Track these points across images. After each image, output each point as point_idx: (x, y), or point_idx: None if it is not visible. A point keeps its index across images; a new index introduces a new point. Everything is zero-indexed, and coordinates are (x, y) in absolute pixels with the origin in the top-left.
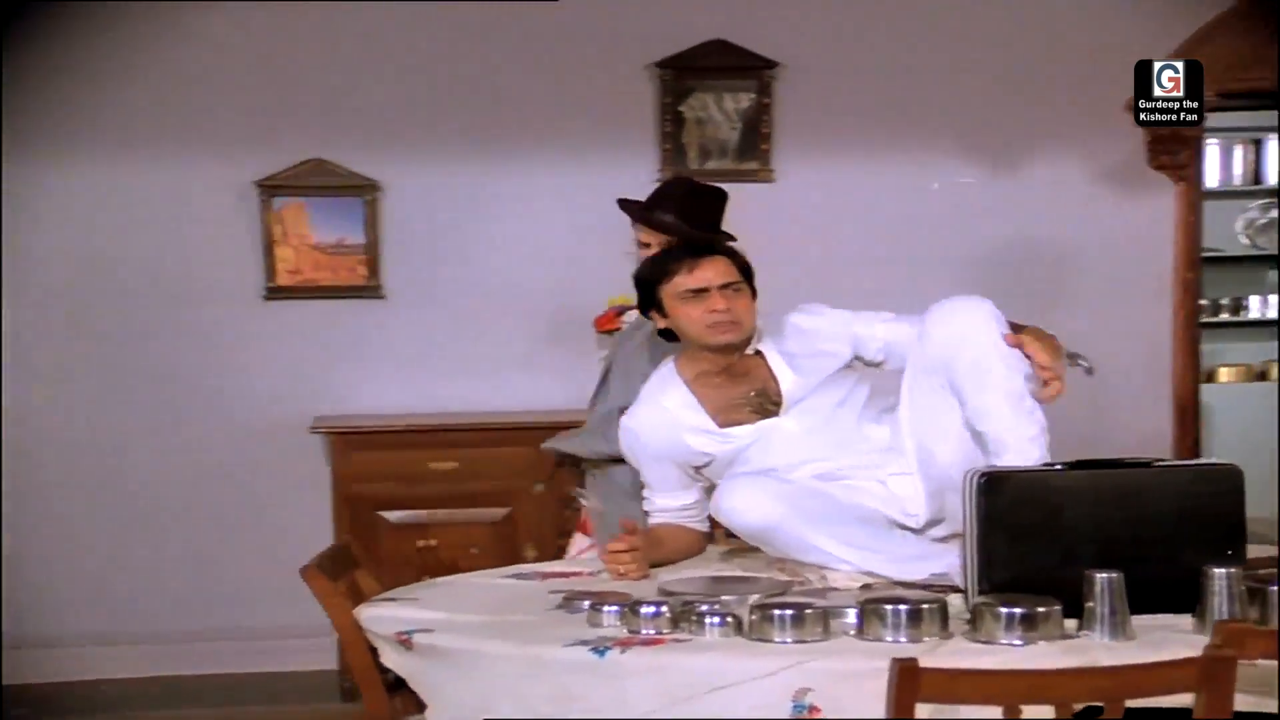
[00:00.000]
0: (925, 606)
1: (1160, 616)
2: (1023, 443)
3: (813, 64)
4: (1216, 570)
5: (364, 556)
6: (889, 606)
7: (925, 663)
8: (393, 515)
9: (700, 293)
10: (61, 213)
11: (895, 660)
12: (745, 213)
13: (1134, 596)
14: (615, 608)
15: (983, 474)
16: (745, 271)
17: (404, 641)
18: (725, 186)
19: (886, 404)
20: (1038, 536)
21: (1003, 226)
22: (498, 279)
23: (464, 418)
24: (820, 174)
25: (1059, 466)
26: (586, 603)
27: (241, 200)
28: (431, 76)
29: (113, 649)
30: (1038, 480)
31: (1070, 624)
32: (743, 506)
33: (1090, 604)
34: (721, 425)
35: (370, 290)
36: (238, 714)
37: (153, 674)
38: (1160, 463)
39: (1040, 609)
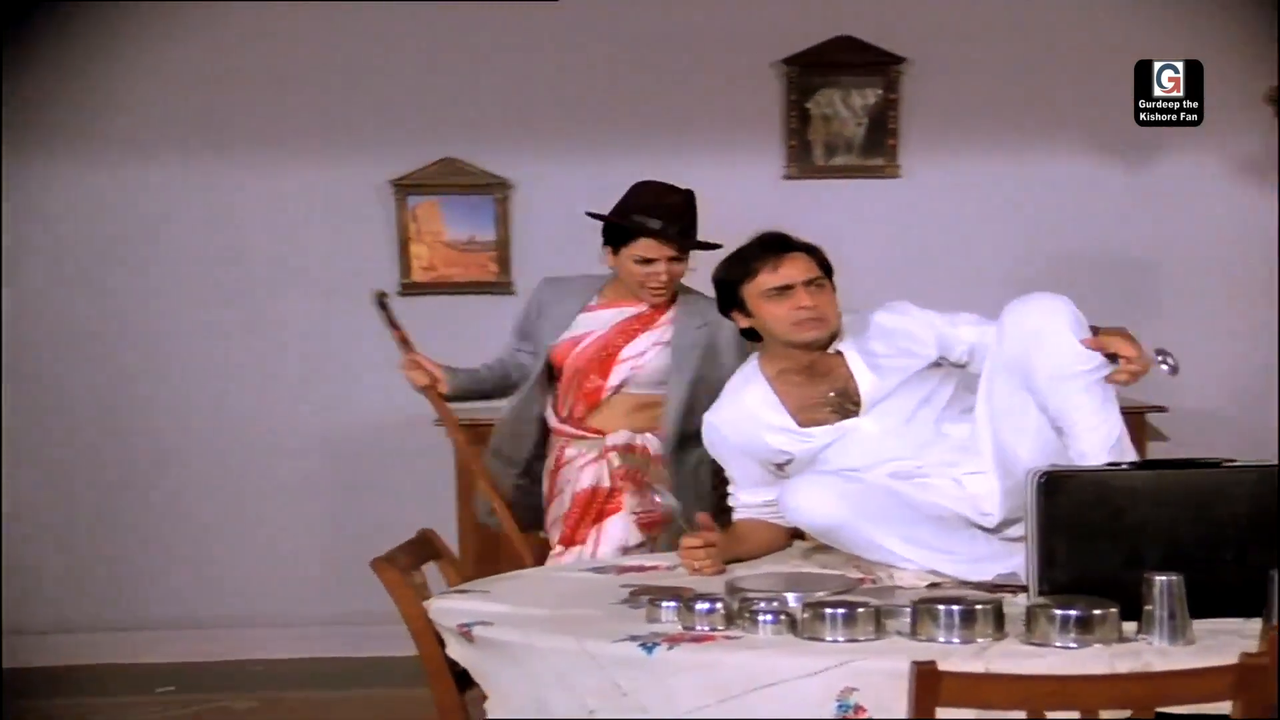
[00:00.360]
0: (979, 607)
1: (1228, 621)
2: (1102, 446)
3: (940, 59)
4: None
5: (446, 548)
6: (942, 607)
7: (967, 665)
8: None
9: (785, 290)
10: (206, 209)
11: (915, 663)
12: (871, 208)
13: (1202, 600)
14: (673, 603)
15: (1043, 474)
16: (825, 267)
17: (465, 634)
18: (852, 182)
19: (967, 403)
20: (1100, 538)
21: (1134, 223)
22: None
23: None
24: (947, 169)
25: (1124, 466)
26: (648, 598)
27: (378, 199)
28: (560, 77)
29: (264, 630)
30: (1100, 480)
31: (1130, 627)
32: (808, 505)
33: (1149, 607)
34: (801, 424)
35: (501, 286)
36: (357, 696)
37: (306, 655)
38: (1230, 463)
39: (1096, 611)
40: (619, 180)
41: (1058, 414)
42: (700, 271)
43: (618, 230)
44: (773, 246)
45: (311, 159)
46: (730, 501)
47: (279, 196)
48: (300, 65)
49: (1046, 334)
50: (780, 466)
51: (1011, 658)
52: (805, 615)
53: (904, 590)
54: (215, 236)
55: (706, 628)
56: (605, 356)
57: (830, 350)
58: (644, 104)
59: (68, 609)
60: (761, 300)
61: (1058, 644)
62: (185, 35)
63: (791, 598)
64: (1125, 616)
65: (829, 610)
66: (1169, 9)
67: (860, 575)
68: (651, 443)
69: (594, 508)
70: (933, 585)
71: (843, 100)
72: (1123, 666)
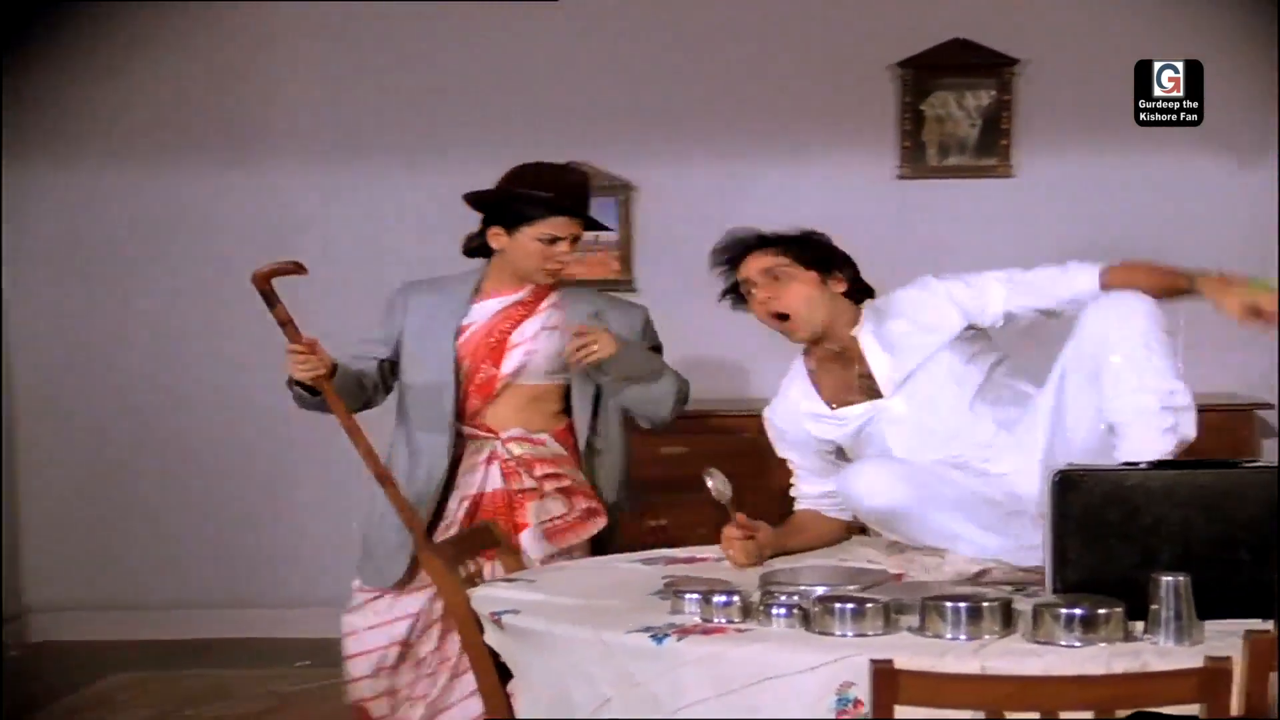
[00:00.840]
0: (985, 605)
1: (1243, 622)
2: (1145, 449)
3: (1053, 60)
4: None
5: (505, 537)
6: (949, 604)
7: (963, 663)
8: None
9: (750, 285)
10: (347, 212)
11: (872, 662)
12: (983, 207)
13: (1217, 601)
14: (695, 595)
15: (1059, 473)
16: (801, 254)
17: (496, 621)
18: (964, 182)
19: (1015, 389)
20: (1114, 537)
21: (1247, 223)
22: None
23: (698, 405)
24: (1059, 168)
25: (1141, 465)
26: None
27: None
28: (680, 82)
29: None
30: (1115, 480)
31: (1140, 627)
32: (868, 489)
33: (1155, 607)
34: (835, 409)
35: (623, 283)
36: None
37: None
38: (1249, 463)
39: (1101, 610)
40: (737, 181)
41: (1111, 410)
42: None
43: (512, 209)
44: (737, 248)
45: (445, 165)
46: (792, 493)
47: (414, 200)
48: (436, 77)
49: (1120, 333)
50: (836, 455)
51: (1010, 656)
52: (815, 610)
53: (944, 581)
54: (355, 239)
55: (723, 620)
56: (495, 344)
57: (852, 333)
58: (762, 107)
59: (214, 588)
60: (747, 299)
61: (1062, 643)
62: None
63: (815, 591)
64: (1137, 616)
65: (838, 605)
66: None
67: (898, 571)
68: (550, 444)
69: (488, 515)
70: (981, 572)
71: (957, 101)
72: (1119, 666)
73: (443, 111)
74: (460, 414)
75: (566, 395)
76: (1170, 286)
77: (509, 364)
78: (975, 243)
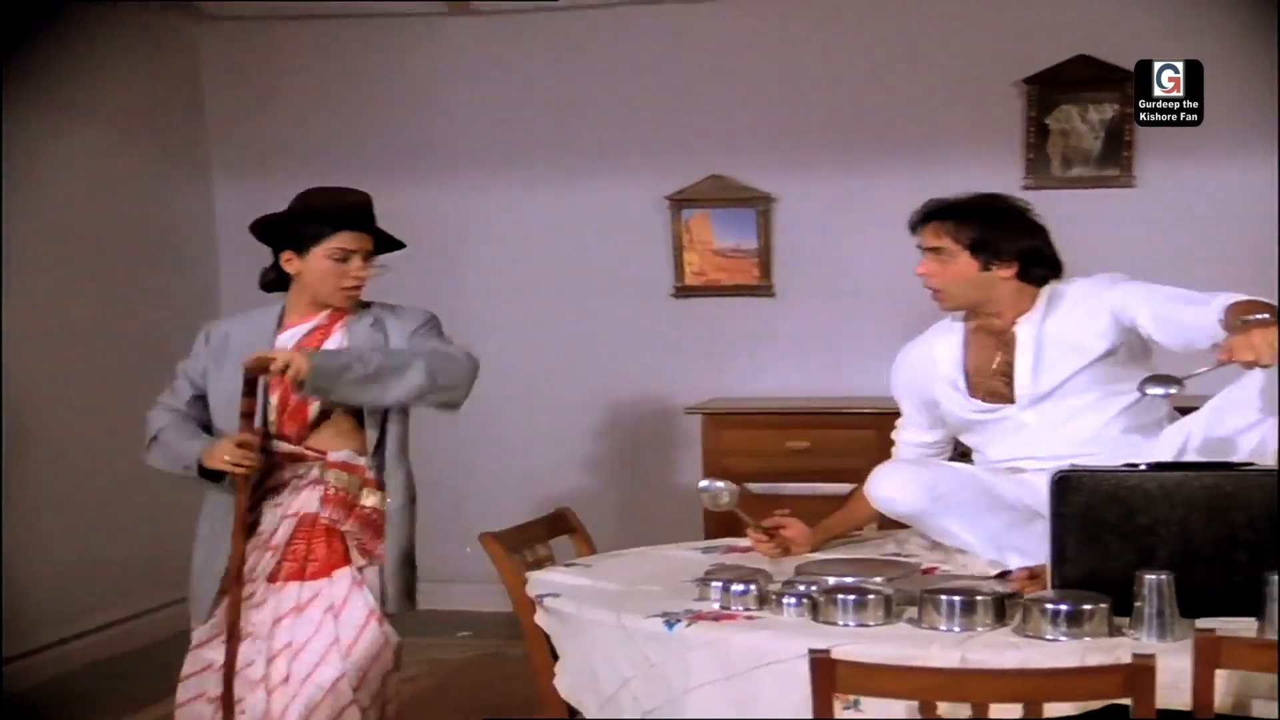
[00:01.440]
0: (979, 598)
1: (1238, 621)
2: None
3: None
4: (1275, 576)
5: (579, 524)
6: (943, 597)
7: (946, 654)
8: (753, 486)
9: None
10: (510, 222)
11: (810, 651)
12: (1106, 217)
13: (1213, 600)
14: (719, 583)
15: (1058, 473)
16: (976, 237)
17: (539, 603)
18: (1087, 192)
19: (1159, 413)
20: (1112, 536)
21: None
22: (873, 280)
23: (822, 403)
24: (1180, 178)
25: (1143, 467)
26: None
27: (656, 212)
28: (816, 99)
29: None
30: (1114, 481)
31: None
32: (889, 495)
33: (1138, 604)
34: (972, 387)
35: (763, 289)
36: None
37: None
38: (1248, 467)
39: (1086, 606)
40: (869, 192)
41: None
42: None
43: (303, 232)
44: (919, 216)
45: (600, 178)
46: (894, 434)
47: (573, 210)
48: (590, 98)
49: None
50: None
51: (992, 648)
52: (821, 600)
53: (972, 578)
54: (518, 244)
55: (740, 608)
56: None
57: (1015, 324)
58: (893, 122)
59: None
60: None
61: (1048, 637)
62: (484, 73)
63: (829, 582)
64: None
65: (840, 596)
66: None
67: (927, 564)
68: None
69: (310, 535)
70: (1001, 574)
71: (1080, 115)
72: (1093, 661)
73: (596, 130)
74: (284, 437)
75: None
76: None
77: None
78: (1098, 251)
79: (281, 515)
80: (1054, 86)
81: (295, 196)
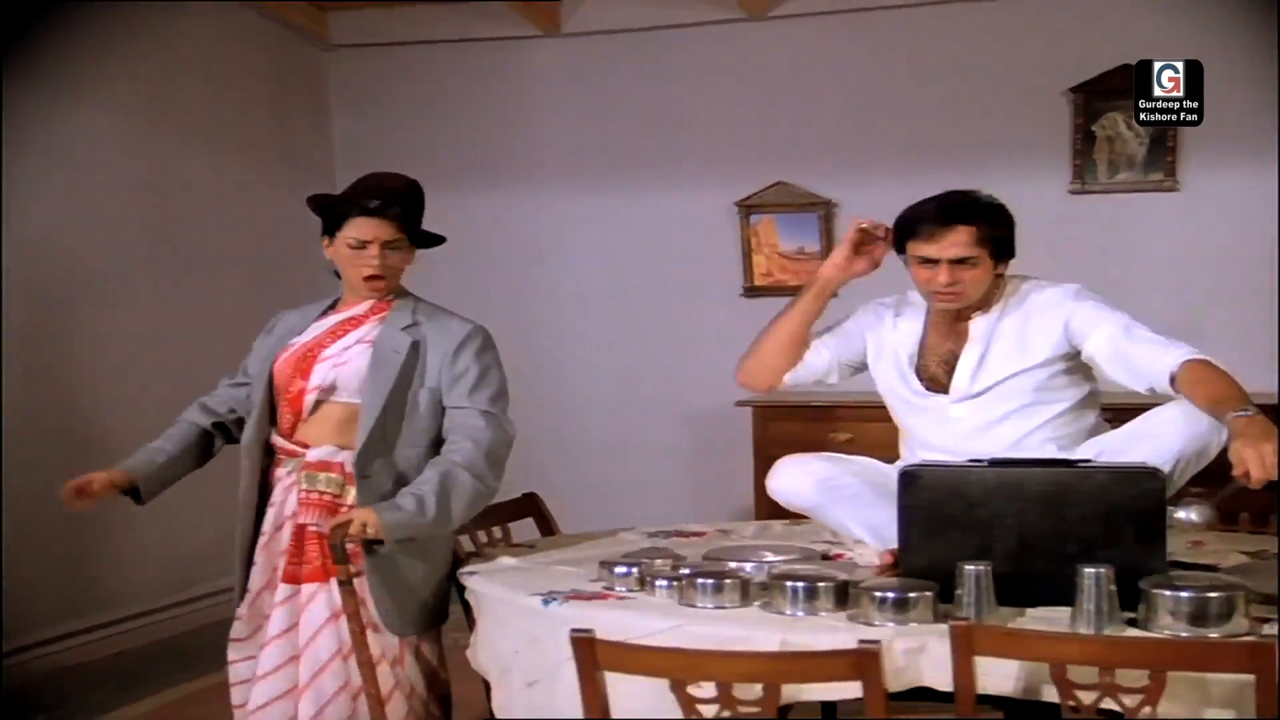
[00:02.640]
0: (821, 585)
1: (1057, 610)
2: None
3: (1217, 80)
4: (1087, 569)
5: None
6: (789, 583)
7: (769, 637)
8: None
9: (932, 261)
10: (597, 228)
11: (571, 631)
12: (1152, 220)
13: (1048, 590)
14: (612, 566)
15: (904, 468)
16: (996, 240)
17: (461, 581)
18: (1132, 196)
19: (1083, 427)
20: (954, 528)
21: None
22: None
23: (862, 397)
24: (1224, 183)
25: (984, 463)
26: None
27: (727, 217)
28: (875, 110)
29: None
30: (955, 475)
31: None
32: (787, 489)
33: (959, 591)
34: (921, 365)
35: None
36: None
37: None
38: (1083, 464)
39: (911, 594)
40: (922, 194)
41: None
42: None
43: (332, 214)
44: (939, 218)
45: (676, 186)
46: (816, 339)
47: (652, 216)
48: (669, 110)
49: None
50: (856, 369)
51: (814, 631)
52: (682, 583)
53: (858, 567)
54: (603, 249)
55: (623, 589)
56: (307, 357)
57: (972, 315)
58: (947, 130)
59: None
60: (914, 261)
61: (876, 622)
62: (580, 89)
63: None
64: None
65: (700, 580)
66: None
67: (835, 552)
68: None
69: (306, 536)
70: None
71: (1125, 122)
72: (900, 645)
73: (672, 142)
74: (280, 430)
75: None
76: (1216, 409)
77: (315, 378)
78: (1143, 253)
79: (275, 515)
80: (1100, 94)
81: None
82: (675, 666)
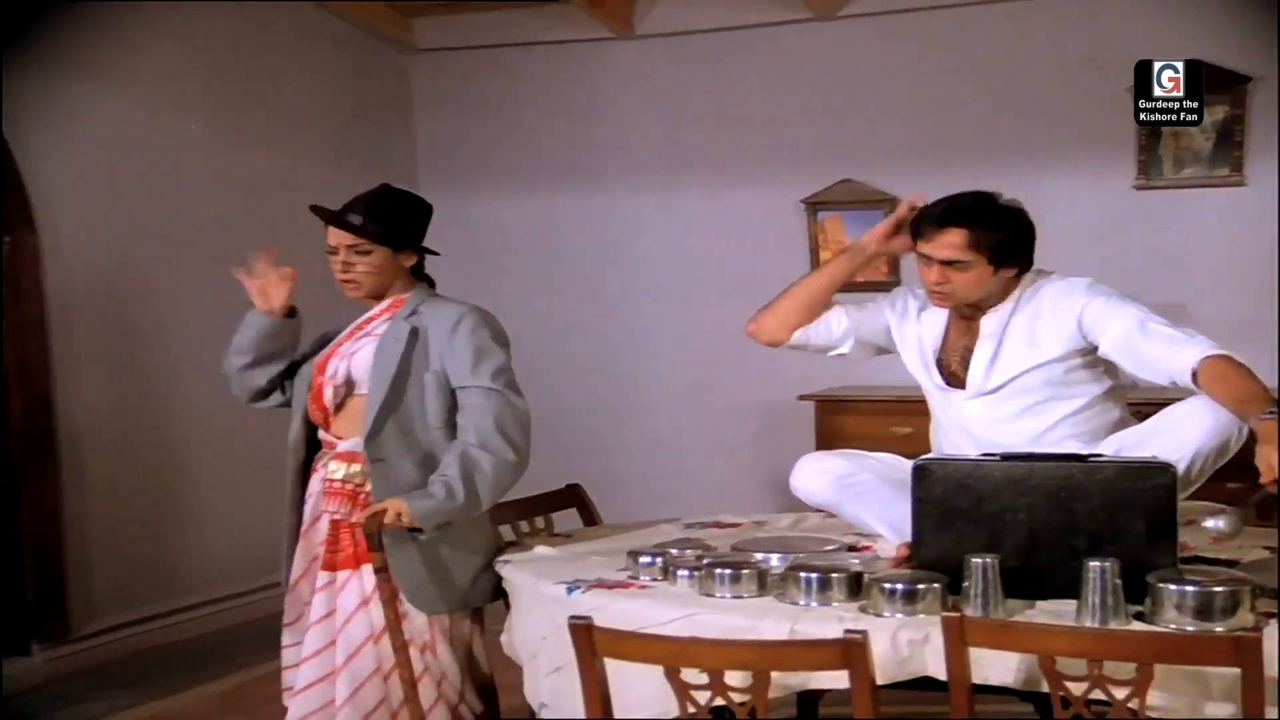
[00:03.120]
0: (835, 576)
1: (1066, 603)
2: None
3: None
4: (1092, 563)
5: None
6: (802, 574)
7: (777, 626)
8: None
9: (927, 259)
10: (670, 226)
11: (570, 618)
12: (1217, 215)
13: (1055, 583)
14: (638, 556)
15: (917, 462)
16: (998, 243)
17: (498, 568)
18: (1198, 191)
19: (1103, 423)
20: (965, 521)
21: None
22: None
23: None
24: None
25: (996, 457)
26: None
27: (794, 215)
28: (939, 108)
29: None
30: (966, 470)
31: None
32: (807, 488)
33: (966, 584)
34: (942, 357)
35: (891, 284)
36: None
37: None
38: (1094, 458)
39: (920, 585)
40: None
41: None
42: None
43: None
44: (935, 219)
45: (745, 184)
46: (842, 308)
47: (722, 213)
48: (738, 110)
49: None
50: (881, 349)
51: (822, 621)
52: (701, 574)
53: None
54: (676, 246)
55: (647, 578)
56: (328, 355)
57: (985, 312)
58: (1011, 127)
59: None
60: (917, 257)
61: (885, 613)
62: (652, 89)
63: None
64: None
65: (718, 571)
66: None
67: (860, 544)
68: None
69: (340, 525)
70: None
71: None
72: (904, 637)
73: (742, 140)
74: (320, 426)
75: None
76: (1240, 409)
77: (329, 369)
78: (1208, 249)
79: (314, 507)
80: None
81: None
82: (667, 653)
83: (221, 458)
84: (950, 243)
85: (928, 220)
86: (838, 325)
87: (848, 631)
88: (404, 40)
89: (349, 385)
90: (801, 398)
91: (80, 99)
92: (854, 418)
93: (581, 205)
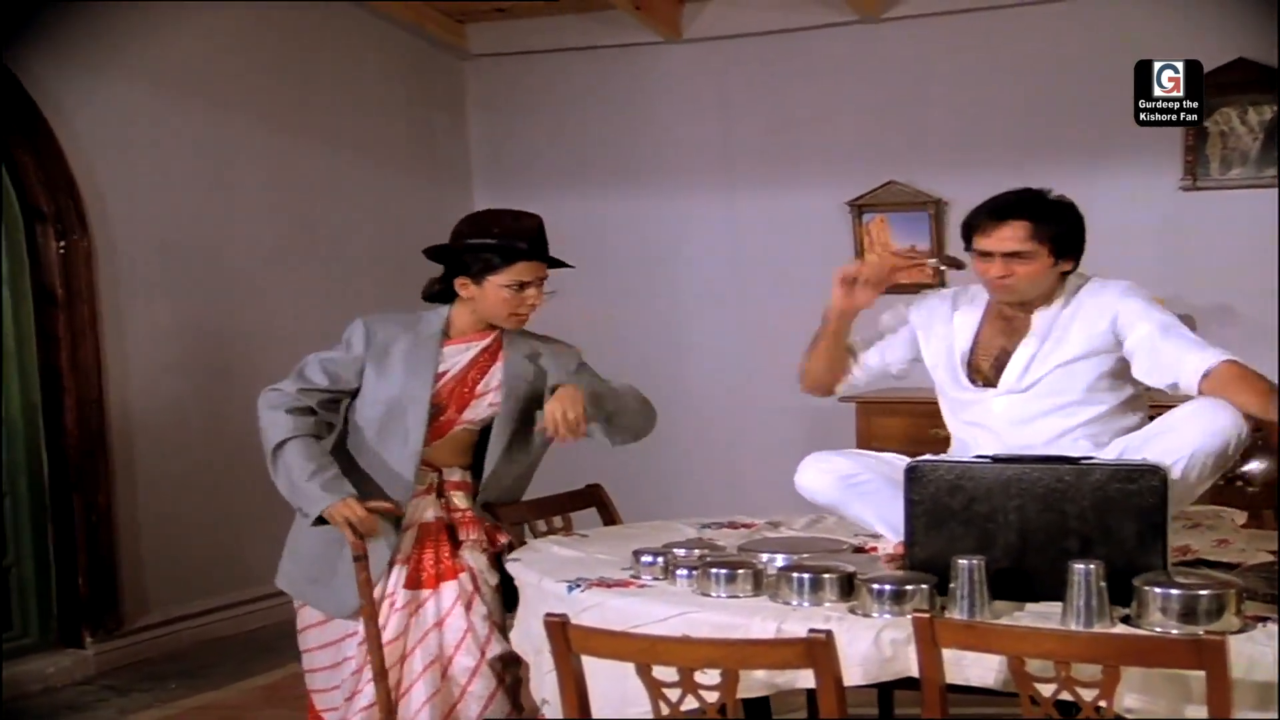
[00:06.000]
0: (826, 576)
1: (1055, 605)
2: None
3: None
4: (1077, 565)
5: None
6: (795, 574)
7: (765, 624)
8: None
9: (987, 254)
10: (718, 228)
11: (546, 616)
12: (1264, 216)
13: (1045, 585)
14: (641, 555)
15: (909, 463)
16: (1057, 234)
17: (506, 565)
18: (1245, 193)
19: (1121, 427)
20: (956, 523)
21: None
22: None
23: None
24: None
25: (988, 459)
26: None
27: (840, 216)
28: (984, 109)
29: None
30: (957, 471)
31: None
32: (811, 487)
33: (953, 585)
34: (971, 361)
35: (937, 286)
36: None
37: None
38: (1085, 460)
39: (909, 586)
40: None
41: None
42: None
43: (478, 260)
44: (993, 213)
45: (790, 185)
46: (861, 352)
47: (771, 215)
48: (786, 112)
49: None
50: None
51: (810, 620)
52: (697, 573)
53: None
54: (724, 247)
55: (649, 578)
56: (464, 391)
57: (1034, 311)
58: (1056, 128)
59: None
60: (974, 255)
61: (874, 613)
62: (701, 92)
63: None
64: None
65: (714, 570)
66: None
67: (868, 545)
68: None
69: (440, 542)
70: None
71: (1239, 118)
72: (888, 636)
73: (789, 142)
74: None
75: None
76: (1259, 401)
77: (472, 412)
78: (1255, 250)
79: (405, 524)
80: (1213, 89)
81: (466, 221)
82: (638, 651)
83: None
84: (1011, 235)
85: (986, 215)
86: (870, 368)
87: (812, 631)
88: (457, 45)
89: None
90: (843, 399)
91: (133, 100)
92: (895, 419)
93: (631, 206)
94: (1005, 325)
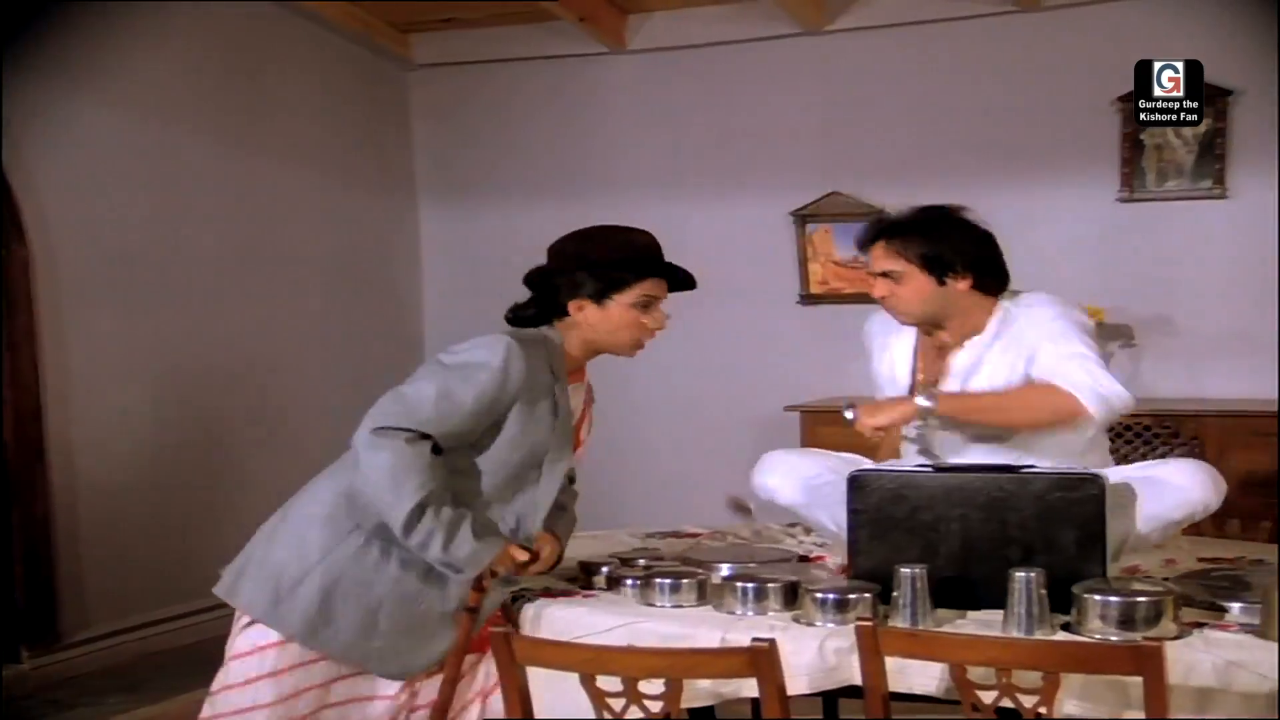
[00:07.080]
0: (770, 585)
1: (998, 613)
2: None
3: (1266, 89)
4: (1018, 573)
5: None
6: (739, 584)
7: (710, 633)
8: None
9: (874, 275)
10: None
11: (491, 628)
12: (1200, 227)
13: (989, 593)
14: (593, 565)
15: (852, 473)
16: (928, 253)
17: None
18: (1181, 204)
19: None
20: (900, 531)
21: None
22: None
23: None
24: (1272, 190)
25: (930, 468)
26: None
27: (785, 226)
28: (926, 121)
29: None
30: (900, 480)
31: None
32: (772, 486)
33: (896, 594)
34: (915, 386)
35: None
36: None
37: None
38: (1027, 469)
39: (851, 595)
40: (975, 206)
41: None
42: None
43: (609, 277)
44: (867, 233)
45: (735, 195)
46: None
47: (711, 225)
48: (730, 124)
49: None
50: None
51: (754, 629)
52: (642, 583)
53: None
54: (668, 255)
55: (603, 587)
56: (577, 440)
57: (956, 348)
58: (997, 141)
59: None
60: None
61: (817, 622)
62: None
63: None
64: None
65: (658, 580)
66: None
67: (813, 555)
68: None
69: None
70: None
71: (1174, 131)
72: (832, 645)
73: (733, 154)
74: None
75: None
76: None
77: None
78: (1192, 261)
79: None
80: None
81: (575, 240)
82: (582, 661)
83: (212, 466)
84: (882, 255)
85: (862, 237)
86: None
87: (755, 640)
88: (402, 55)
89: None
90: (788, 408)
91: (74, 111)
92: (839, 428)
93: (577, 216)
94: (939, 353)
